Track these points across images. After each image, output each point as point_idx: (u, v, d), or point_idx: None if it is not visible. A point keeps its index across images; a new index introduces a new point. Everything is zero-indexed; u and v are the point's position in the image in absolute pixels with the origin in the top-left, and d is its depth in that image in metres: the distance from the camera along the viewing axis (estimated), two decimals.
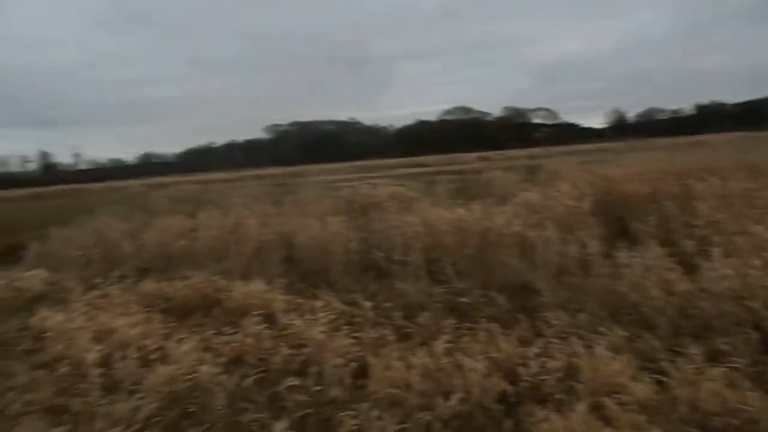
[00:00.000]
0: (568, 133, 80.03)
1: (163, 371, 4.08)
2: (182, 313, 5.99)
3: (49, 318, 5.67)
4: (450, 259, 6.50)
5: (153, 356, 4.54)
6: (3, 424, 3.75)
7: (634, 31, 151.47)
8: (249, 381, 4.07)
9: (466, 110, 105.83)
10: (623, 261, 5.20)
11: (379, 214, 8.24)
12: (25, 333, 5.67)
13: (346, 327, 4.91)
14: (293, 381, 3.98)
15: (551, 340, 4.21)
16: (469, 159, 48.99)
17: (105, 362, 4.52)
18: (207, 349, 4.65)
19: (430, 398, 3.48)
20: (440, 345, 4.11)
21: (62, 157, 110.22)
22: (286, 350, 4.50)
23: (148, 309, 5.97)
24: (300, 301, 5.85)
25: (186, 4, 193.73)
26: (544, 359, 3.81)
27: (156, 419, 3.58)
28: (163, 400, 3.79)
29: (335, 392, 3.80)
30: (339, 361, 4.13)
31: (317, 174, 32.05)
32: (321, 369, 4.09)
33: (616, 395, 3.22)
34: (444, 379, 3.68)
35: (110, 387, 4.12)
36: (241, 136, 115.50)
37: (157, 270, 8.11)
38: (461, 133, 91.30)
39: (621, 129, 74.08)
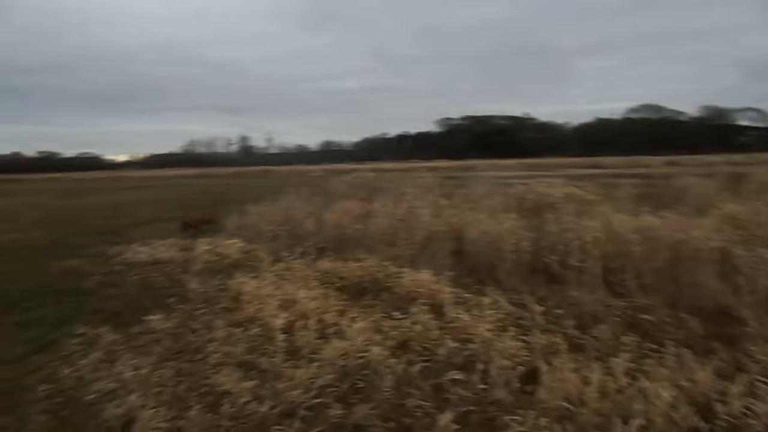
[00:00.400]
0: None
1: (338, 345, 4.36)
2: (354, 293, 6.34)
3: (244, 283, 6.40)
4: (633, 271, 5.96)
5: (329, 330, 4.88)
6: (205, 370, 4.31)
7: None
8: (415, 368, 4.16)
9: (656, 109, 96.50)
10: None
11: (554, 215, 7.86)
12: (224, 293, 6.45)
13: (513, 328, 4.78)
14: (457, 375, 3.99)
15: (758, 377, 3.63)
16: (655, 162, 44.65)
17: (289, 329, 4.96)
18: (377, 330, 4.85)
19: (606, 419, 3.22)
20: (620, 363, 3.78)
21: (257, 141, 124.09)
22: (451, 343, 4.52)
23: (325, 285, 6.44)
24: (467, 295, 5.83)
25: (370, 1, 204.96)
26: (750, 400, 3.29)
27: (330, 389, 3.83)
28: (337, 373, 4.05)
29: (500, 393, 3.71)
30: (506, 362, 4.02)
31: (487, 169, 31.65)
32: (486, 367, 4.02)
33: None
34: (623, 401, 3.38)
35: (292, 352, 4.51)
36: (413, 128, 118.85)
37: (334, 250, 8.70)
38: (648, 134, 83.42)
39: None
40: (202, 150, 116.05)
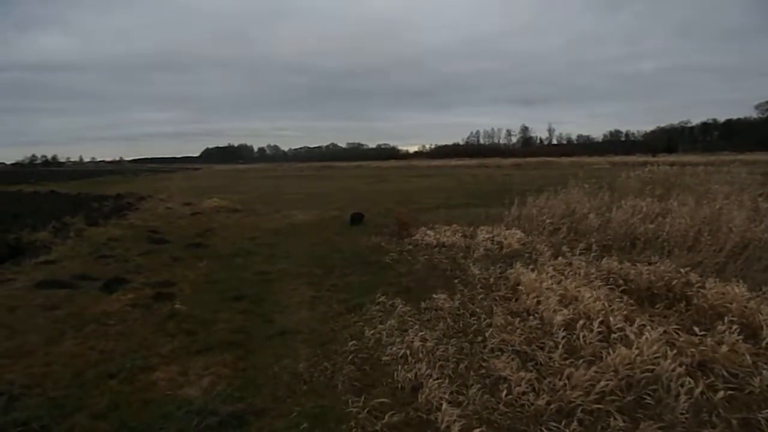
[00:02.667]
0: None
1: (623, 353, 4.04)
2: (643, 299, 5.78)
3: (523, 274, 6.43)
4: None
5: (614, 335, 4.56)
6: (483, 353, 4.51)
7: None
8: (718, 395, 3.60)
9: None
10: None
11: None
12: (503, 282, 6.59)
13: None
14: None
15: None
16: None
17: (569, 326, 4.81)
18: (669, 343, 4.33)
19: None
20: None
21: (537, 132, 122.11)
22: None
23: (609, 286, 6.02)
24: None
25: None
26: None
27: (612, 398, 3.60)
28: (621, 382, 3.77)
29: None
30: None
31: None
32: None
33: None
34: None
35: (571, 351, 4.37)
36: (722, 114, 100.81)
37: (619, 249, 8.06)
38: None
39: None
40: (484, 141, 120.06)
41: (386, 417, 3.49)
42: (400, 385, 3.99)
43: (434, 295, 6.04)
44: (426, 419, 3.50)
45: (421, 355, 4.43)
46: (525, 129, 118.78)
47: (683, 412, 3.40)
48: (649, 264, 6.72)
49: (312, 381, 4.16)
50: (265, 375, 4.29)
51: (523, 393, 3.75)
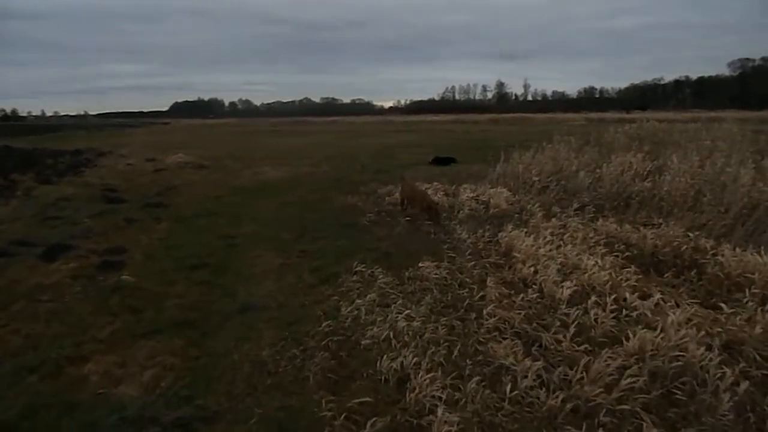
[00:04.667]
0: None
1: (645, 336, 3.44)
2: (649, 266, 5.21)
3: (517, 238, 5.79)
4: None
5: (631, 313, 3.98)
6: (478, 333, 3.88)
7: None
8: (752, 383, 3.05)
9: None
10: None
11: None
12: (494, 247, 5.95)
13: None
14: None
15: None
16: None
17: (574, 301, 4.21)
18: (693, 323, 3.75)
19: None
20: None
21: (513, 88, 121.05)
22: None
23: (612, 253, 5.41)
24: None
25: None
26: None
27: (639, 395, 2.99)
28: (646, 373, 3.17)
29: None
30: None
31: None
32: None
33: None
34: None
35: (581, 333, 3.76)
36: (695, 72, 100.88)
37: (613, 209, 7.50)
38: None
39: None
40: (459, 97, 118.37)
41: (368, 425, 2.83)
42: (383, 378, 3.32)
43: (419, 264, 5.36)
44: (417, 425, 2.86)
45: (407, 338, 3.77)
46: (501, 85, 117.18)
47: (726, 412, 2.82)
48: (651, 226, 6.17)
49: (278, 373, 3.47)
50: (221, 365, 3.58)
51: (531, 387, 3.12)
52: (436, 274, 5.13)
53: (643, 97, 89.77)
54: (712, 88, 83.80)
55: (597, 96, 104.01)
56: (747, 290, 4.24)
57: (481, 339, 3.80)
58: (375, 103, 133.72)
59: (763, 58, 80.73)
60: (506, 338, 3.77)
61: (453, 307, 4.39)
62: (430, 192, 8.99)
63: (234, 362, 3.62)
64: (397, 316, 4.09)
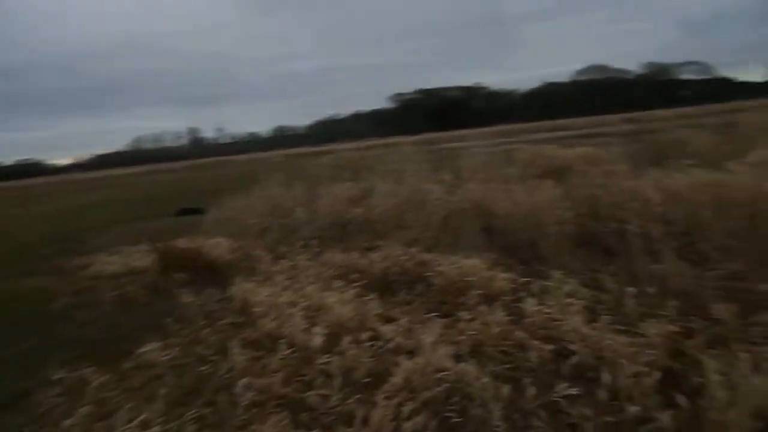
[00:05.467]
0: (722, 89, 70.99)
1: (408, 366, 3.36)
2: (383, 289, 5.33)
3: (251, 290, 5.31)
4: (703, 234, 5.20)
5: (382, 344, 3.89)
6: (238, 417, 3.26)
7: None
8: (519, 386, 3.24)
9: (602, 69, 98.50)
10: None
11: (584, 179, 7.05)
12: (227, 305, 5.35)
13: (607, 316, 3.86)
14: (569, 389, 3.08)
15: None
16: (613, 121, 44.72)
17: (329, 347, 3.93)
18: (442, 337, 3.86)
19: None
20: None
21: (207, 132, 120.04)
22: (541, 345, 3.61)
23: (346, 283, 5.38)
24: (524, 280, 4.95)
25: None
26: None
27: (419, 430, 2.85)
28: (426, 407, 3.04)
29: (638, 410, 2.81)
30: (633, 367, 3.12)
31: (450, 141, 30.84)
32: (598, 375, 3.15)
33: None
34: None
35: (348, 380, 3.48)
36: (367, 106, 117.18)
37: (334, 239, 7.67)
38: (596, 94, 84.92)
39: None
40: (150, 146, 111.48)
41: None
42: None
43: (142, 349, 4.39)
44: None
45: None
46: (194, 130, 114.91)
47: (498, 422, 2.87)
48: (375, 250, 6.44)
49: None
50: None
51: None
52: (165, 355, 4.26)
53: (328, 131, 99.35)
54: (381, 118, 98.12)
55: (288, 134, 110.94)
56: (469, 292, 4.66)
57: (242, 422, 3.19)
58: (48, 162, 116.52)
59: (414, 92, 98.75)
60: (270, 413, 3.24)
61: (197, 392, 3.65)
62: (137, 257, 7.78)
63: None
64: (129, 426, 3.17)
